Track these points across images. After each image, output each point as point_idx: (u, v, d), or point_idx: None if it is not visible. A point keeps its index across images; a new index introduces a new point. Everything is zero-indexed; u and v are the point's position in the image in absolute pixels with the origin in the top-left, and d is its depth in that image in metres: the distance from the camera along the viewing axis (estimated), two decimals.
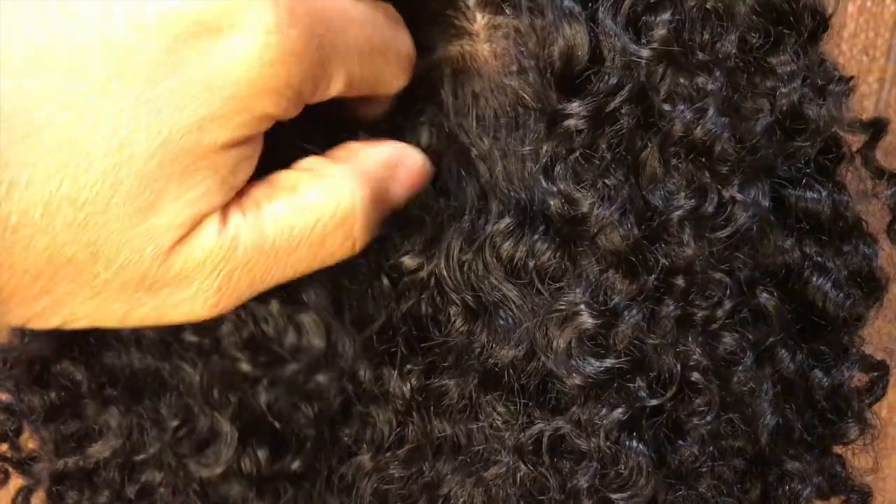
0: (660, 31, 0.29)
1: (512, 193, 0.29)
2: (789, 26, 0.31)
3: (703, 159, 0.28)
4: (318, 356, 0.28)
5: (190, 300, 0.25)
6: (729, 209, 0.28)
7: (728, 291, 0.28)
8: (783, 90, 0.31)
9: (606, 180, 0.28)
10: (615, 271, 0.28)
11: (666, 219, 0.28)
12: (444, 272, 0.29)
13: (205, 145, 0.24)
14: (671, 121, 0.28)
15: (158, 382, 0.30)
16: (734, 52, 0.29)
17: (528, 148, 0.29)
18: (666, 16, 0.29)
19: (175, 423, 0.30)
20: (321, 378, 0.28)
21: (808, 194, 0.31)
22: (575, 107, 0.28)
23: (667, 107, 0.29)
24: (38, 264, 0.23)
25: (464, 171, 0.30)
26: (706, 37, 0.29)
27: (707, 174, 0.29)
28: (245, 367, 0.28)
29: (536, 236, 0.29)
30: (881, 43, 0.73)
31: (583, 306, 0.28)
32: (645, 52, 0.28)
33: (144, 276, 0.24)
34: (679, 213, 0.28)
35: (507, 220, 0.29)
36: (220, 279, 0.25)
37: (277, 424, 0.29)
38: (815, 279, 0.31)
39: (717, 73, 0.29)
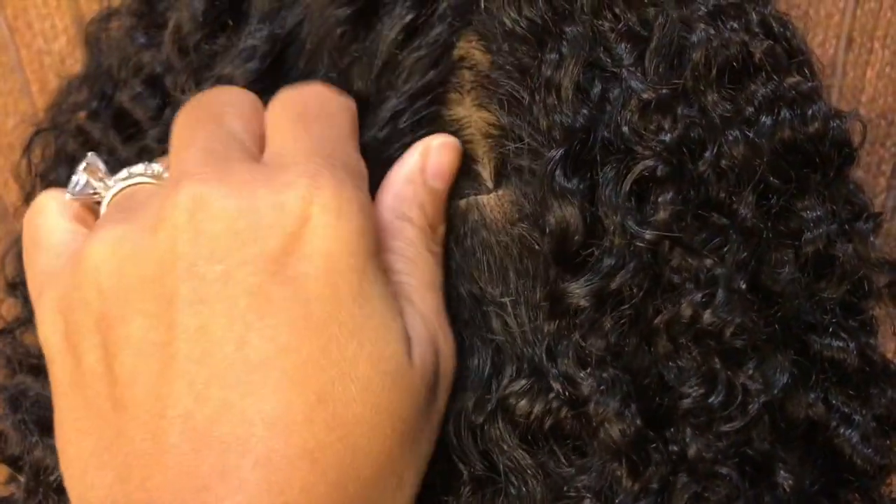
0: (661, 215, 0.28)
1: (526, 350, 0.29)
2: (814, 167, 0.31)
3: (713, 343, 0.27)
4: None
5: None
6: (740, 398, 0.27)
7: (737, 490, 0.27)
8: (808, 236, 0.30)
9: (604, 372, 0.27)
10: (618, 465, 0.27)
11: (674, 405, 0.27)
12: (453, 435, 0.28)
13: None
14: (678, 301, 0.28)
15: None
16: (751, 213, 0.28)
17: (539, 298, 0.29)
18: (668, 196, 0.28)
19: None
20: None
21: (834, 343, 0.30)
22: (575, 287, 0.27)
23: (676, 279, 0.28)
24: None
25: (477, 327, 0.29)
26: (721, 196, 0.28)
27: (716, 360, 0.28)
28: None
29: (552, 395, 0.28)
30: None
31: (588, 502, 0.27)
32: (648, 235, 0.27)
33: None
34: (686, 402, 0.27)
35: (522, 381, 0.28)
36: None
37: None
38: (841, 431, 0.30)
39: (734, 242, 0.28)
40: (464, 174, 0.30)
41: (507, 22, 0.29)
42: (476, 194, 0.30)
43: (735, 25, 0.30)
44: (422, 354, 0.26)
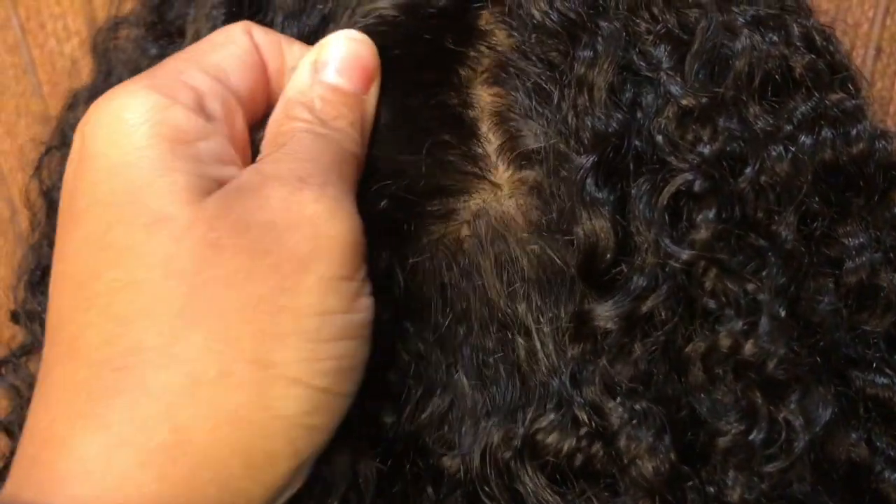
0: (702, 234, 0.26)
1: (553, 380, 0.27)
2: (857, 191, 0.29)
3: (753, 376, 0.26)
4: None
5: None
6: (783, 434, 0.26)
7: None
8: (850, 265, 0.28)
9: (636, 403, 0.26)
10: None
11: (710, 441, 0.26)
12: (479, 471, 0.27)
13: None
14: (715, 328, 0.26)
15: None
16: (792, 235, 0.27)
17: (564, 320, 0.27)
18: (710, 214, 0.26)
19: None
20: None
21: (878, 379, 0.28)
22: (603, 309, 0.26)
23: (712, 304, 0.26)
24: None
25: (500, 352, 0.27)
26: (760, 216, 0.27)
27: (758, 394, 0.26)
28: None
29: (583, 431, 0.26)
30: None
31: None
32: (684, 255, 0.26)
33: None
34: (724, 439, 0.26)
35: (550, 416, 0.26)
36: None
37: None
38: (886, 475, 0.28)
39: (773, 265, 0.26)
40: (466, 151, 0.28)
41: (536, 14, 0.28)
42: (481, 172, 0.28)
43: (774, 38, 0.29)
44: (226, 200, 0.24)
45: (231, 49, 0.28)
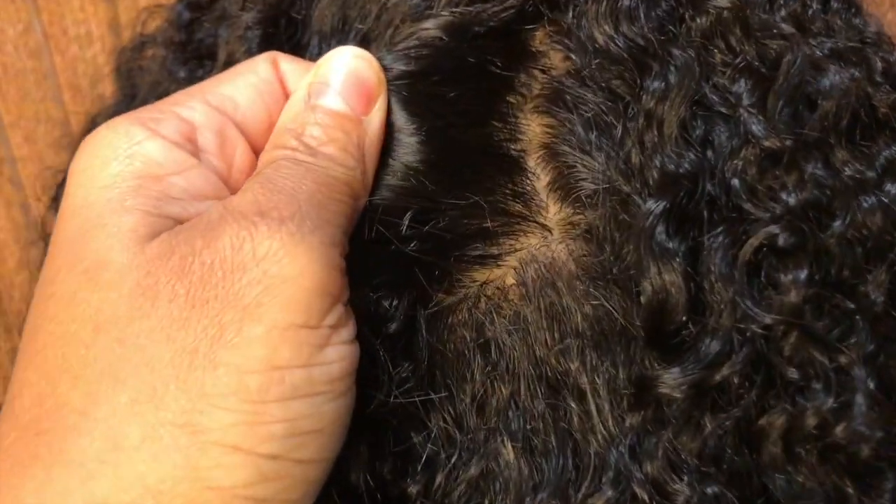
0: (791, 297, 0.23)
1: (610, 453, 0.24)
2: None
3: (843, 461, 0.23)
4: None
5: None
6: None
7: None
8: None
9: (708, 486, 0.23)
10: None
11: None
12: None
13: None
14: (798, 402, 0.23)
15: None
16: (883, 296, 0.24)
17: (622, 383, 0.24)
18: (801, 275, 0.23)
19: None
20: None
21: None
22: (670, 377, 0.23)
23: (794, 374, 0.23)
24: None
25: (551, 419, 0.25)
26: (846, 274, 0.24)
27: (847, 481, 0.23)
28: None
29: None
30: None
31: None
32: (767, 320, 0.23)
33: None
34: None
35: (608, 492, 0.24)
36: None
37: None
38: None
39: (861, 331, 0.24)
40: (512, 189, 0.26)
41: (600, 38, 0.25)
42: (529, 213, 0.26)
43: (857, 74, 0.26)
44: (171, 240, 0.22)
45: (249, 79, 0.26)
